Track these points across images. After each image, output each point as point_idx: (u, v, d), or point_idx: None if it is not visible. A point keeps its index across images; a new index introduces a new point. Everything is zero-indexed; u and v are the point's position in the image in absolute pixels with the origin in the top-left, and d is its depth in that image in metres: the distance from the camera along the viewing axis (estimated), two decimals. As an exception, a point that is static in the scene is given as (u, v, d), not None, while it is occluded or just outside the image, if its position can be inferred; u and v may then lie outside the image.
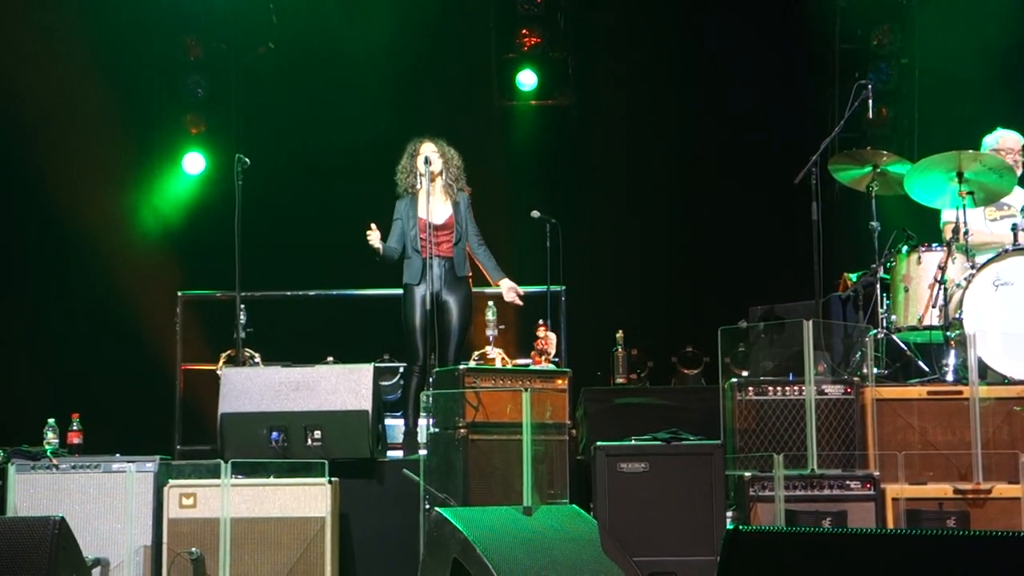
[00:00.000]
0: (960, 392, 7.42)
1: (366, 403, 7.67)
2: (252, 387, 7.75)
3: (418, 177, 8.50)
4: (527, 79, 11.51)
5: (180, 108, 11.55)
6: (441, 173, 8.58)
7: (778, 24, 11.33)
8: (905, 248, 8.19)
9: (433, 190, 8.49)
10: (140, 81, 11.44)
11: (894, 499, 7.11)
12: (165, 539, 7.13)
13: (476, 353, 8.19)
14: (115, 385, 10.63)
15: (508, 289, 8.59)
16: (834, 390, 7.41)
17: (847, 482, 7.09)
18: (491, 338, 7.94)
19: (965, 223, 7.97)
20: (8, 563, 5.68)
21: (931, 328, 7.97)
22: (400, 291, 8.58)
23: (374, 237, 8.39)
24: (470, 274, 8.60)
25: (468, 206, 8.62)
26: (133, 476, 7.25)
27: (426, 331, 8.31)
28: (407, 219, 8.55)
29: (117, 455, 7.43)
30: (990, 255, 7.93)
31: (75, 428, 7.86)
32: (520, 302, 8.62)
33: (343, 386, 7.72)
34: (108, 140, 11.02)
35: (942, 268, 7.92)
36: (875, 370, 7.74)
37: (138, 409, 10.37)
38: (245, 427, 7.66)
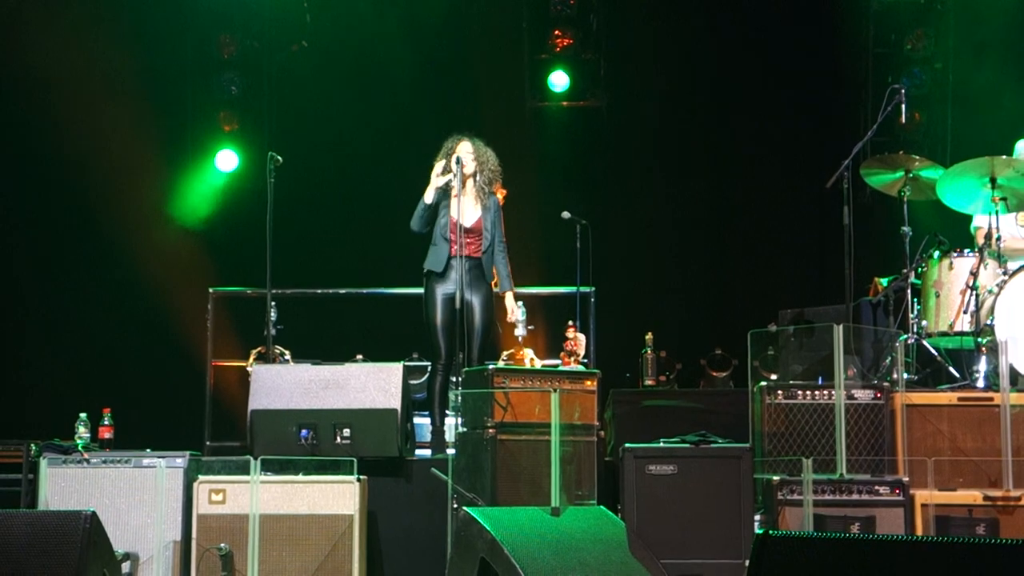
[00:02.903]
0: (991, 398, 7.41)
1: (395, 402, 7.68)
2: (282, 384, 7.78)
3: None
4: (559, 80, 11.51)
5: (213, 105, 11.59)
6: (474, 175, 8.52)
7: (811, 28, 11.30)
8: (937, 253, 8.17)
9: (464, 191, 8.45)
10: (174, 78, 11.49)
11: (923, 505, 7.09)
12: (194, 534, 7.16)
13: (505, 353, 8.20)
14: (146, 381, 10.69)
15: (508, 308, 8.39)
16: (864, 395, 7.39)
17: (876, 487, 7.08)
18: (520, 338, 7.95)
19: (997, 229, 7.95)
20: (39, 556, 5.72)
21: (962, 334, 7.95)
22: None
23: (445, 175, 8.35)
24: (494, 280, 8.58)
25: (498, 210, 8.56)
26: (163, 471, 7.29)
27: (448, 329, 8.31)
28: (441, 206, 8.49)
29: (147, 450, 7.47)
30: (1022, 261, 7.90)
31: (106, 423, 7.91)
32: (510, 320, 8.36)
33: (372, 384, 7.73)
34: (142, 137, 11.07)
35: (974, 274, 7.90)
36: (905, 375, 7.72)
37: (169, 405, 10.43)
38: (275, 424, 7.68)
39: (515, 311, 8.19)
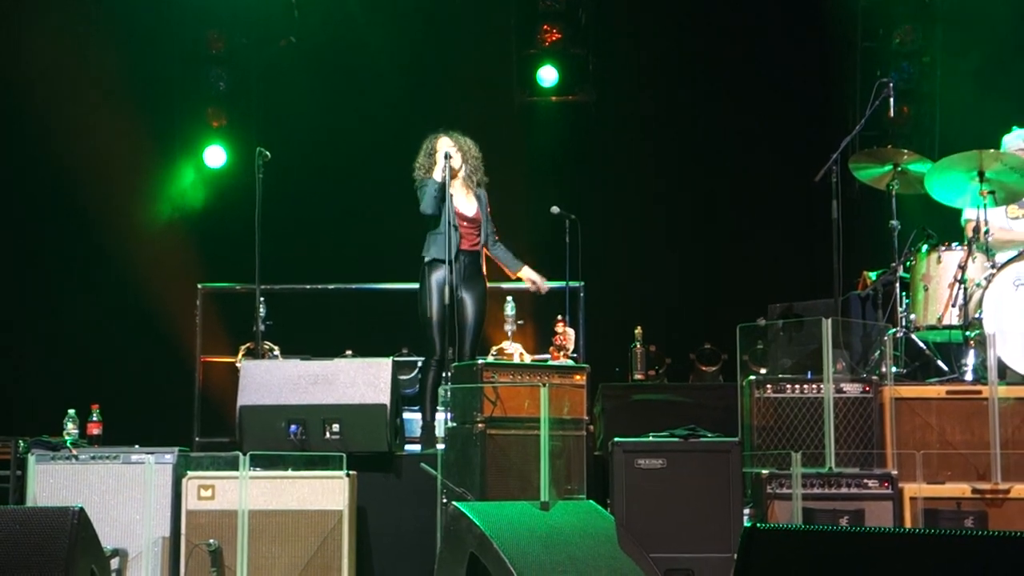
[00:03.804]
0: (979, 392, 7.41)
1: (384, 397, 7.68)
2: (271, 380, 7.78)
3: (439, 174, 8.44)
4: (548, 75, 11.51)
5: (202, 101, 11.60)
6: (461, 167, 8.53)
7: (800, 22, 11.31)
8: (925, 247, 8.17)
9: (453, 185, 8.45)
10: (162, 74, 11.48)
11: (912, 498, 7.09)
12: (183, 530, 7.15)
13: (494, 348, 8.20)
14: (135, 377, 10.68)
15: (528, 280, 8.58)
16: (853, 388, 7.39)
17: (865, 481, 7.07)
18: (509, 333, 7.95)
19: (986, 222, 7.95)
20: (27, 553, 5.70)
21: (950, 327, 7.95)
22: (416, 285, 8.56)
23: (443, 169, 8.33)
24: (485, 272, 8.59)
25: (487, 202, 8.61)
26: (152, 467, 7.28)
27: (443, 324, 8.30)
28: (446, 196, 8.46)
29: (136, 446, 7.45)
30: (1011, 254, 7.91)
31: (95, 419, 7.89)
32: (543, 290, 8.61)
33: (362, 380, 7.73)
34: (130, 133, 11.05)
35: (962, 267, 7.91)
36: (894, 369, 7.72)
37: (158, 401, 10.42)
38: (264, 420, 7.68)
39: (536, 284, 8.34)
